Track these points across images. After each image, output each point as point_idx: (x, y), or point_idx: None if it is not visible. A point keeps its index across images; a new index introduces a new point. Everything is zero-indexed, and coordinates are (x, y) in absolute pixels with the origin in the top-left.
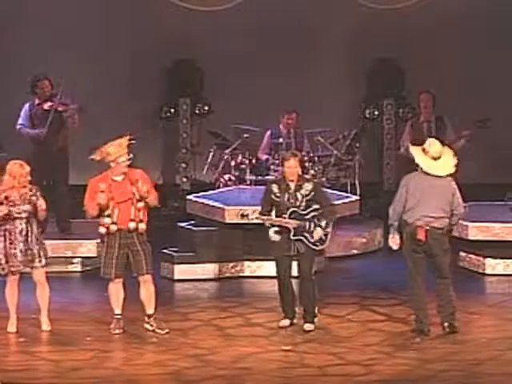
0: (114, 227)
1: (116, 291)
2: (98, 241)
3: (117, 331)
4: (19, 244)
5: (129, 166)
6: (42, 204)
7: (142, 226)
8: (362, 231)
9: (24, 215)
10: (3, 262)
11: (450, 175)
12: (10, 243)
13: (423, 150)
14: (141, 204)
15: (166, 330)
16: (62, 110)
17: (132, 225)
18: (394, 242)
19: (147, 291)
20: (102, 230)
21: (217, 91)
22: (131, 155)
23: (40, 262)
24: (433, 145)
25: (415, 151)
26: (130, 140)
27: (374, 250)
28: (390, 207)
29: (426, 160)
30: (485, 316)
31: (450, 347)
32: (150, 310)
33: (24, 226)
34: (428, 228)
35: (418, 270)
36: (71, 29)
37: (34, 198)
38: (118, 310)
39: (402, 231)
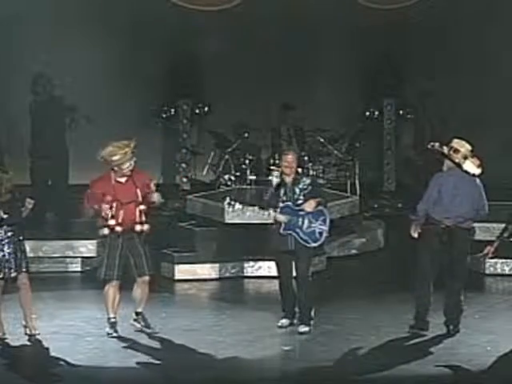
0: (119, 228)
1: (113, 294)
2: (98, 241)
3: (114, 334)
4: (9, 249)
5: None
6: (29, 203)
7: (146, 228)
8: (362, 231)
9: (11, 221)
10: None
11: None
12: (1, 249)
13: (454, 149)
14: (144, 206)
15: (156, 330)
16: None
17: (139, 227)
18: (415, 230)
19: (143, 291)
20: (106, 230)
21: (217, 91)
22: (134, 159)
23: (27, 266)
24: (463, 144)
25: (447, 150)
26: (134, 146)
27: (373, 250)
28: (419, 204)
29: (459, 159)
30: (485, 316)
31: (449, 347)
32: (140, 309)
33: (11, 231)
34: (455, 228)
35: (433, 268)
36: (71, 29)
37: (18, 203)
38: (112, 314)
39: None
